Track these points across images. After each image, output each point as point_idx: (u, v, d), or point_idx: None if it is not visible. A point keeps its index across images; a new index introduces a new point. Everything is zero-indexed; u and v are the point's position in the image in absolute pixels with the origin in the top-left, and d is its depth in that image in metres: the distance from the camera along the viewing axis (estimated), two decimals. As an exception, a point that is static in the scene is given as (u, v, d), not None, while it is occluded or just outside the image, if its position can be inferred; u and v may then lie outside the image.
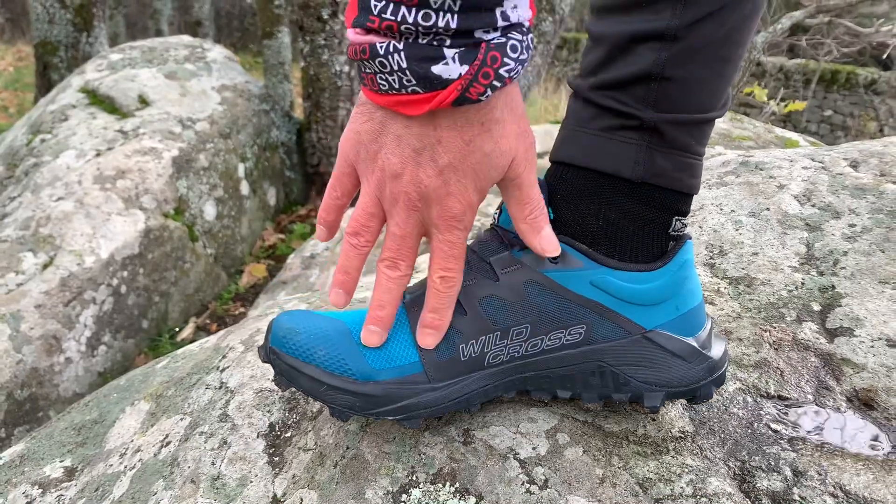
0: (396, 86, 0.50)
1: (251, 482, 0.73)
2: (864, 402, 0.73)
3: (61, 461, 0.94)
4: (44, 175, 1.96)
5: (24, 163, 2.07)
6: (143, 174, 2.00)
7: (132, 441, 0.88)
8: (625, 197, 0.63)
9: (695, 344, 0.65)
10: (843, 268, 0.92)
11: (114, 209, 1.90)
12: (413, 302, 0.66)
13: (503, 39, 0.49)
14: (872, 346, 0.79)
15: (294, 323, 0.66)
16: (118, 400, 1.02)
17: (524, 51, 0.50)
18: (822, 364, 0.78)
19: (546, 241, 0.61)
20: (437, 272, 0.59)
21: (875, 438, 0.68)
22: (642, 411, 0.69)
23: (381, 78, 0.50)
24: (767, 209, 1.06)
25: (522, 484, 0.62)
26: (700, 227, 1.05)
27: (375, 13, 0.48)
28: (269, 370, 0.84)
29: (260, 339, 0.92)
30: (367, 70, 0.51)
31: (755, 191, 1.11)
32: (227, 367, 0.88)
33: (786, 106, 3.44)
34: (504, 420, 0.68)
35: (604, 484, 0.61)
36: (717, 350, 0.67)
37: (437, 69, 0.48)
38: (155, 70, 2.39)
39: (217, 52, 2.61)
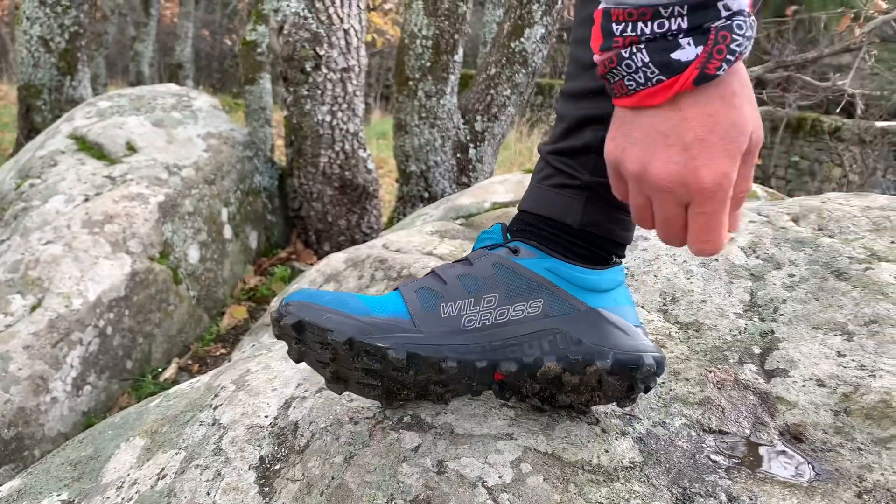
0: (643, 81, 0.58)
1: (243, 510, 0.80)
2: (794, 436, 0.82)
3: (58, 495, 1.00)
4: (33, 219, 2.02)
5: (12, 206, 2.13)
6: (130, 219, 2.07)
7: (128, 475, 0.95)
8: (570, 237, 0.80)
9: (632, 324, 0.78)
10: (782, 314, 1.02)
11: (101, 253, 1.96)
12: (405, 284, 0.81)
13: (728, 22, 0.56)
14: (804, 386, 0.88)
15: (303, 290, 0.79)
16: (113, 436, 1.08)
17: (749, 28, 0.57)
18: (759, 402, 0.87)
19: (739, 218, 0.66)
20: (694, 244, 0.61)
21: (801, 468, 0.77)
22: (599, 391, 0.77)
23: (628, 80, 0.59)
24: (716, 260, 1.16)
25: (489, 508, 0.70)
26: (655, 275, 1.15)
27: (618, 34, 0.57)
28: (259, 407, 0.92)
29: (250, 379, 0.99)
30: (616, 77, 0.60)
31: (706, 243, 1.21)
32: (220, 405, 0.95)
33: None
34: (474, 452, 0.76)
35: (561, 508, 0.69)
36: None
37: (675, 55, 0.56)
38: (143, 118, 2.48)
39: (203, 101, 2.70)
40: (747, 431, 0.83)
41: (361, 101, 2.74)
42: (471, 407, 0.83)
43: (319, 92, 2.61)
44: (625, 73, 0.58)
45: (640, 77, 0.58)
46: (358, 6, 2.74)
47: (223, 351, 2.23)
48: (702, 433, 0.82)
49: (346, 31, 2.63)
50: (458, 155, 3.39)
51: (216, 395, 0.99)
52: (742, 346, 0.97)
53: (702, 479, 0.74)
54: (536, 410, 0.83)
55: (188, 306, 2.23)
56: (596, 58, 0.62)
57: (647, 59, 0.57)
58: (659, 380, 0.91)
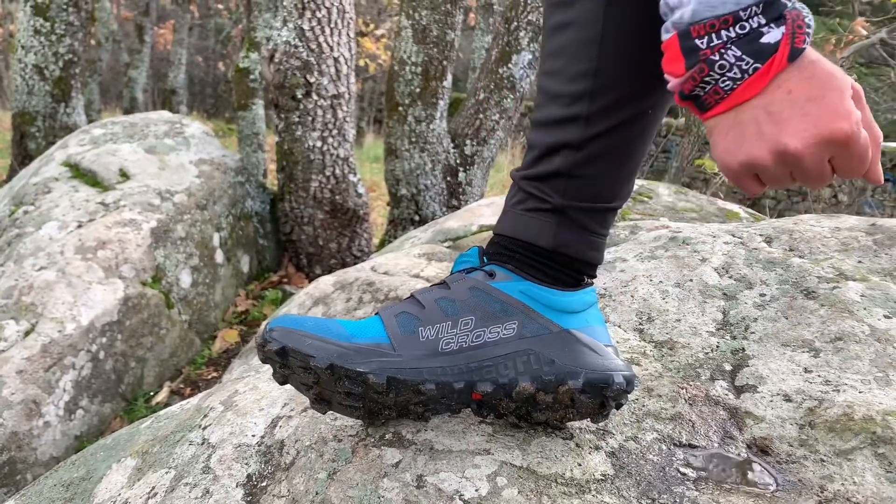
0: (739, 75, 0.62)
1: (231, 526, 0.82)
2: (760, 449, 0.85)
3: (51, 515, 1.03)
4: (27, 245, 2.05)
5: (6, 233, 2.16)
6: (122, 244, 2.10)
7: (120, 494, 0.98)
8: (543, 259, 0.84)
9: (603, 344, 0.82)
10: (753, 332, 1.05)
11: (94, 278, 1.99)
12: (384, 308, 0.84)
13: (792, 4, 0.61)
14: (771, 401, 0.92)
15: (286, 315, 0.82)
16: (105, 458, 1.11)
17: (804, 8, 0.61)
18: (728, 416, 0.91)
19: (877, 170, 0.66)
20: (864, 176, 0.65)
21: (766, 479, 0.80)
22: (570, 410, 0.80)
23: (723, 82, 0.62)
24: (691, 280, 1.20)
25: (466, 520, 0.73)
26: (632, 296, 1.19)
27: (704, 47, 0.62)
28: (247, 427, 0.95)
29: (238, 399, 1.02)
30: (708, 86, 0.63)
31: (681, 264, 1.26)
32: (209, 426, 0.98)
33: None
34: (452, 467, 0.79)
35: (534, 519, 0.72)
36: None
37: (763, 40, 0.61)
38: (135, 145, 2.52)
39: (195, 128, 2.74)
40: (716, 445, 0.86)
41: (352, 127, 2.79)
42: (450, 424, 0.86)
43: (310, 118, 2.66)
44: (718, 76, 0.62)
45: (735, 73, 0.62)
46: (348, 34, 2.80)
47: (215, 374, 2.26)
48: (672, 447, 0.85)
49: (336, 59, 2.68)
50: (448, 178, 3.43)
51: (205, 416, 1.02)
52: (714, 363, 1.01)
53: (670, 490, 0.77)
54: (513, 427, 0.86)
55: (180, 330, 2.25)
56: (676, 82, 0.65)
57: (739, 53, 0.61)
58: (632, 396, 0.94)
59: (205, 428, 0.99)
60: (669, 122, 8.94)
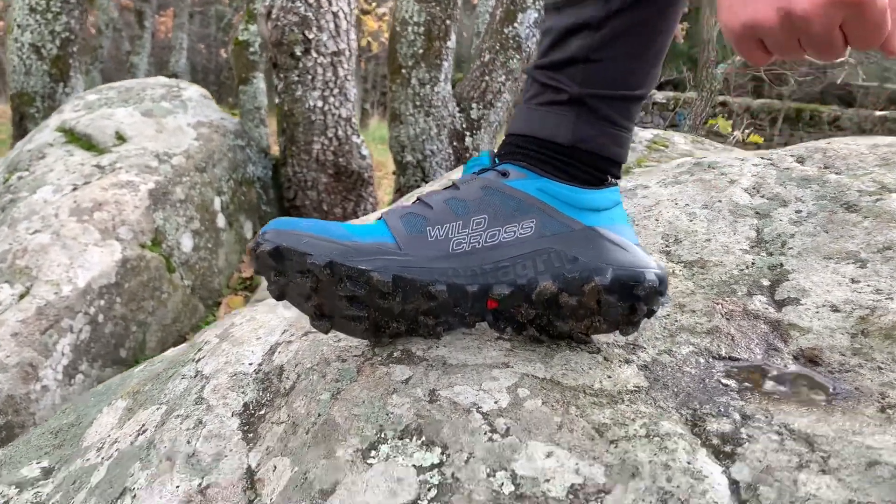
0: None
1: (226, 457, 0.75)
2: (809, 360, 0.77)
3: (38, 463, 0.96)
4: (20, 210, 1.98)
5: (0, 199, 2.09)
6: (119, 206, 2.03)
7: (109, 435, 0.90)
8: (562, 156, 0.75)
9: (632, 242, 0.74)
10: (791, 248, 0.97)
11: (90, 240, 1.92)
12: (389, 211, 0.76)
13: None
14: (817, 312, 0.83)
15: (281, 218, 0.74)
16: (96, 402, 1.03)
17: None
18: (770, 330, 0.82)
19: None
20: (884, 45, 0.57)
21: (818, 388, 0.72)
22: (596, 300, 0.71)
23: None
24: (719, 201, 1.11)
25: (485, 433, 0.65)
26: (656, 219, 1.10)
27: None
28: (243, 356, 0.87)
29: (234, 331, 0.95)
30: None
31: (708, 186, 1.17)
32: (202, 358, 0.91)
33: (749, 135, 3.55)
34: (468, 380, 0.71)
35: (561, 430, 0.64)
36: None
37: None
38: (132, 108, 2.44)
39: (193, 91, 2.66)
40: (759, 357, 0.78)
41: (353, 86, 2.70)
42: (464, 341, 0.78)
43: (310, 77, 2.57)
44: None
45: None
46: (347, -9, 2.71)
47: (219, 340, 2.18)
48: (711, 360, 0.77)
49: (335, 14, 2.59)
50: (455, 143, 3.34)
51: (199, 350, 0.94)
52: (750, 279, 0.92)
53: (713, 400, 0.69)
54: (534, 341, 0.78)
55: (183, 295, 2.18)
56: None
57: None
58: (662, 312, 0.86)
59: (198, 361, 0.91)
60: (678, 95, 8.82)
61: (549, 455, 0.62)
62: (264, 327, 0.92)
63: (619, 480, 0.59)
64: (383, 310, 0.73)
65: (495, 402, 0.68)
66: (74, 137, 2.31)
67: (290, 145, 2.68)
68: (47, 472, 0.93)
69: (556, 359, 0.75)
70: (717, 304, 0.87)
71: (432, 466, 0.63)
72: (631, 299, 0.72)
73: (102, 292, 1.91)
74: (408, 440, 0.66)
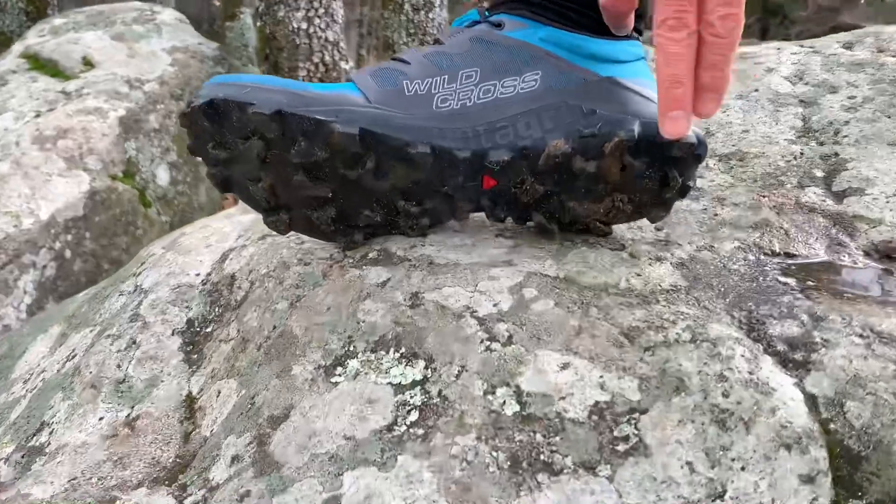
0: None
1: (162, 382, 0.61)
2: (884, 255, 0.62)
3: (-37, 399, 0.82)
4: (-21, 139, 1.82)
5: (-41, 130, 1.93)
6: (86, 133, 1.86)
7: (38, 365, 0.76)
8: (571, 2, 0.59)
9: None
10: (846, 136, 0.81)
11: (54, 170, 1.76)
12: (358, 72, 0.60)
13: None
14: (888, 202, 0.68)
15: (223, 74, 0.60)
16: (32, 331, 0.89)
17: None
18: (830, 223, 0.67)
19: None
20: (715, 11, 0.46)
21: (902, 285, 0.57)
22: (617, 144, 0.55)
23: None
24: (756, 90, 0.95)
25: (481, 342, 0.50)
26: (683, 112, 0.94)
27: None
28: (189, 265, 0.72)
29: (183, 240, 0.79)
30: None
31: (742, 76, 1.00)
32: (144, 270, 0.76)
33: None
34: (459, 280, 0.56)
35: (580, 335, 0.49)
36: None
37: None
38: (101, 32, 2.25)
39: (168, 15, 2.47)
40: (821, 253, 0.63)
41: (340, 6, 2.50)
42: (455, 238, 0.63)
43: (294, -3, 2.37)
44: None
45: None
46: None
47: (201, 279, 2.04)
48: (762, 257, 0.62)
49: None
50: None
51: (143, 263, 0.79)
52: (800, 170, 0.77)
53: (772, 300, 0.54)
54: (542, 233, 0.63)
55: (160, 232, 2.03)
56: None
57: None
58: (698, 206, 0.71)
59: (139, 274, 0.76)
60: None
61: (564, 367, 0.47)
62: (217, 234, 0.76)
63: (658, 396, 0.45)
64: (351, 187, 0.57)
65: (494, 305, 0.53)
66: (39, 63, 2.14)
67: (273, 72, 2.50)
68: (-28, 410, 0.79)
69: (571, 255, 0.59)
70: (763, 196, 0.72)
71: (414, 384, 0.49)
72: (663, 164, 0.56)
73: (69, 226, 1.75)
74: (383, 353, 0.52)
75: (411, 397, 0.48)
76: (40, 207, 1.69)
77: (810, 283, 0.57)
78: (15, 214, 1.65)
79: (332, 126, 0.53)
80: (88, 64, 2.13)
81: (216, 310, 0.65)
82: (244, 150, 0.56)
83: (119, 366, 0.63)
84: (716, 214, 0.69)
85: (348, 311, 0.55)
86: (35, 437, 0.62)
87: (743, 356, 0.47)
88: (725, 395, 0.44)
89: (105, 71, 2.10)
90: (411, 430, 0.46)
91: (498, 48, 0.59)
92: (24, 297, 1.62)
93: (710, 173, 0.78)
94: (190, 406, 0.58)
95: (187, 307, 0.67)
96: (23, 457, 0.60)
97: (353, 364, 0.51)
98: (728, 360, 0.46)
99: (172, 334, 0.64)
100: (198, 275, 0.70)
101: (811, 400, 0.45)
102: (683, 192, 0.60)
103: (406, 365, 0.50)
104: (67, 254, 1.74)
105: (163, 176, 2.07)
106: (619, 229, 0.65)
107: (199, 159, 0.59)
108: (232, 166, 0.58)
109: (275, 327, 0.57)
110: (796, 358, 0.48)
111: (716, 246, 0.63)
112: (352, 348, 0.52)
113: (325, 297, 0.57)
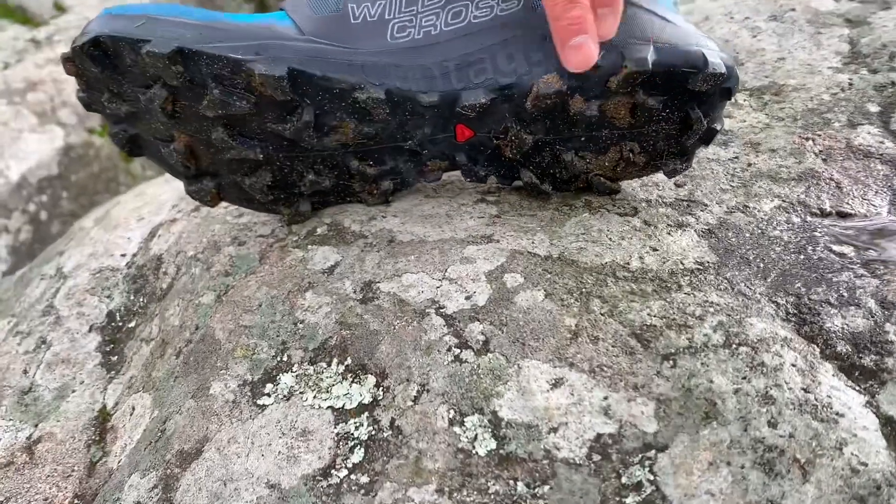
0: None
1: (73, 392, 0.50)
2: (966, 211, 0.49)
3: None
4: (-55, 95, 1.69)
5: (-74, 85, 1.80)
6: (58, 85, 1.73)
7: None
8: None
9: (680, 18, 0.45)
10: (905, 60, 0.67)
11: (25, 125, 1.64)
12: None
13: None
14: (964, 142, 0.55)
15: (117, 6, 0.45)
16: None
17: None
18: (893, 172, 0.54)
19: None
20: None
21: None
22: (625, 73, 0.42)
23: None
24: (793, 10, 0.80)
25: (449, 350, 0.38)
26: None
27: None
28: (115, 244, 0.60)
29: (115, 211, 0.67)
30: None
31: (774, -7, 0.86)
32: (68, 250, 0.64)
33: None
34: (425, 264, 0.44)
35: (578, 339, 0.37)
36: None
37: None
38: (73, -26, 2.10)
39: (145, -47, 2.31)
40: (884, 211, 0.50)
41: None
42: (426, 206, 0.51)
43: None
44: None
45: None
46: None
47: (192, 237, 1.93)
48: (810, 217, 0.49)
49: None
50: None
51: (71, 239, 0.68)
52: (850, 105, 0.63)
53: (826, 280, 0.42)
54: (534, 195, 0.50)
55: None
56: None
57: None
58: (727, 154, 0.58)
59: (62, 253, 0.64)
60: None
61: (556, 384, 0.36)
62: (152, 204, 0.64)
63: (681, 427, 0.33)
64: (288, 145, 0.45)
65: (467, 298, 0.41)
66: (7, 11, 1.99)
67: (260, 9, 2.35)
68: None
69: (569, 226, 0.47)
70: (807, 139, 0.58)
71: (360, 408, 0.37)
72: (683, 102, 0.44)
73: (43, 186, 1.64)
74: (324, 364, 0.40)
75: (356, 428, 0.36)
76: (10, 167, 1.58)
77: (872, 253, 0.45)
78: (-17, 176, 1.54)
79: (253, 67, 0.40)
80: (59, 8, 1.99)
81: (140, 300, 0.54)
82: (145, 101, 0.43)
83: (26, 371, 0.52)
84: (749, 164, 0.56)
85: (284, 308, 0.43)
86: (-70, 460, 0.51)
87: (794, 366, 0.35)
88: (773, 424, 0.32)
89: (77, 16, 1.96)
90: (353, 477, 0.35)
91: None
92: (-2, 264, 1.52)
93: (739, 111, 0.65)
94: (102, 424, 0.47)
95: (108, 296, 0.55)
96: (-86, 484, 0.50)
97: (285, 380, 0.40)
98: (775, 372, 0.34)
99: (90, 331, 0.53)
100: (123, 255, 0.58)
101: (890, 426, 0.33)
102: (708, 137, 0.47)
103: (352, 381, 0.38)
104: (43, 216, 1.63)
105: (145, 128, 1.94)
106: (630, 187, 0.52)
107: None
108: (136, 123, 0.46)
109: (197, 328, 0.46)
110: (865, 364, 0.36)
111: (751, 206, 0.50)
112: (285, 358, 0.41)
113: (258, 290, 0.45)
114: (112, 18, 0.42)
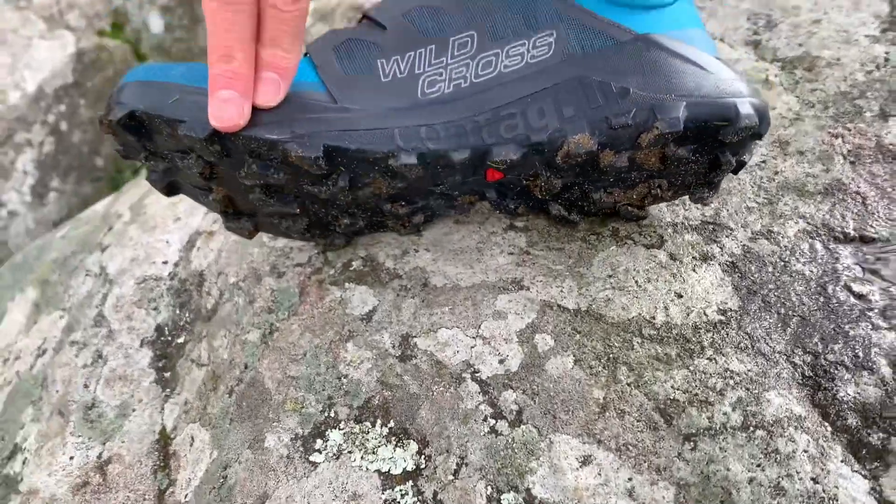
0: None
1: (133, 411, 0.54)
2: None
3: (-48, 364, 0.77)
4: (-51, -2, 1.65)
5: (-72, -15, 1.75)
6: (63, -15, 1.68)
7: (16, 342, 0.70)
8: None
9: (711, 53, 0.45)
10: (946, 31, 0.65)
11: (34, 32, 1.61)
12: (317, 42, 0.46)
13: None
14: None
15: (149, 64, 0.46)
16: (11, 283, 0.82)
17: None
18: (920, 180, 0.54)
19: None
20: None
21: None
22: (656, 134, 0.43)
23: None
24: (832, -45, 0.76)
25: (485, 420, 0.41)
26: (738, -11, 0.77)
27: None
28: (155, 249, 0.63)
29: (149, 203, 0.69)
30: None
31: (814, -70, 0.81)
32: (109, 246, 0.67)
33: None
34: (459, 318, 0.46)
35: (606, 413, 0.40)
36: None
37: None
38: None
39: None
40: (907, 234, 0.51)
41: None
42: (456, 235, 0.52)
43: None
44: None
45: None
46: None
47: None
48: (833, 245, 0.50)
49: None
50: None
51: (110, 229, 0.70)
52: (883, 87, 0.62)
53: (843, 332, 0.44)
54: (561, 223, 0.52)
55: (161, 86, 1.89)
56: None
57: None
58: (756, 158, 0.58)
59: (104, 249, 0.67)
60: None
61: (585, 461, 0.39)
62: (185, 201, 0.66)
63: (699, 515, 0.37)
64: (320, 200, 0.46)
65: (501, 362, 0.43)
66: None
67: None
68: (-40, 380, 0.74)
69: (596, 265, 0.49)
70: (836, 136, 0.58)
71: (405, 475, 0.41)
72: (713, 149, 0.44)
73: (60, 95, 1.63)
74: (369, 424, 0.43)
75: (401, 496, 0.40)
76: (25, 79, 1.57)
77: (893, 290, 0.46)
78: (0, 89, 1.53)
79: (287, 148, 0.41)
80: None
81: (186, 315, 0.57)
82: (183, 165, 0.44)
83: (87, 385, 0.56)
84: (776, 172, 0.56)
85: (328, 360, 0.46)
86: (9, 464, 0.56)
87: (806, 452, 0.38)
88: (783, 514, 0.36)
89: None
90: (401, 548, 0.39)
91: None
92: (26, 179, 1.54)
93: (771, 91, 0.64)
94: (164, 449, 0.51)
95: (155, 309, 0.58)
96: (-1, 487, 0.56)
97: (334, 437, 0.43)
98: (788, 460, 0.37)
99: (141, 345, 0.57)
100: (164, 263, 0.61)
101: (889, 511, 0.36)
102: (737, 169, 0.48)
103: (396, 445, 0.42)
104: (63, 126, 1.63)
105: (156, 23, 1.89)
106: (656, 208, 0.53)
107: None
108: (175, 174, 0.47)
109: (246, 367, 0.49)
110: (872, 442, 0.39)
111: (775, 230, 0.51)
112: (332, 413, 0.44)
113: (301, 337, 0.48)
114: (145, 90, 0.42)
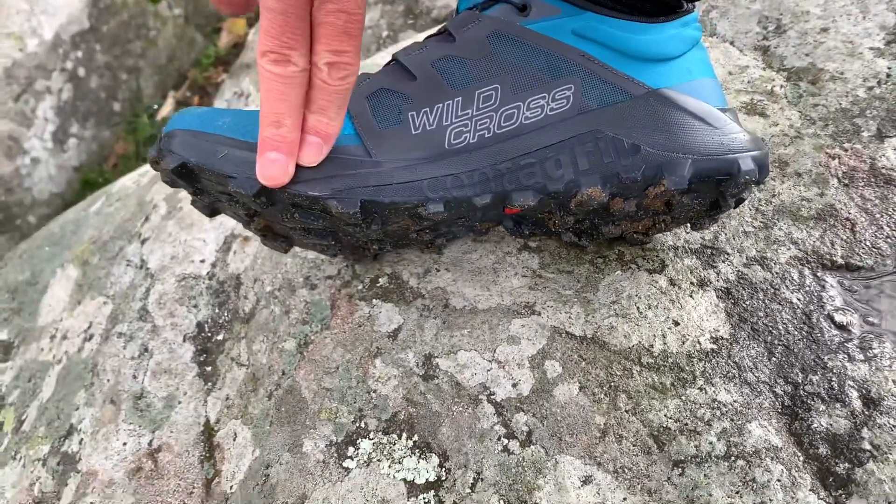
0: None
1: (179, 403, 0.60)
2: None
3: (-1, 332, 0.83)
4: (-38, -63, 1.65)
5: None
6: (75, -73, 1.67)
7: (61, 319, 0.75)
8: None
9: (720, 108, 0.49)
10: (948, 47, 0.67)
11: (49, -24, 1.61)
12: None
13: None
14: (982, 178, 0.58)
15: (193, 109, 0.50)
16: (50, 256, 0.87)
17: None
18: (908, 207, 0.58)
19: None
20: (323, 56, 0.41)
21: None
22: (664, 200, 0.47)
23: None
24: (846, -44, 0.78)
25: (499, 439, 0.47)
26: (752, -11, 0.79)
27: None
28: (193, 248, 0.67)
29: (184, 196, 0.73)
30: None
31: (831, -74, 0.82)
32: (148, 238, 0.71)
33: None
34: (476, 341, 0.51)
35: (606, 437, 0.46)
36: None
37: None
38: None
39: None
40: (889, 262, 0.55)
41: None
42: (475, 254, 0.57)
43: None
44: None
45: None
46: None
47: (225, 76, 1.94)
48: (821, 273, 0.55)
49: None
50: None
51: (147, 219, 0.74)
52: (882, 106, 0.65)
53: (822, 364, 0.49)
54: (571, 246, 0.56)
55: (174, 28, 1.90)
56: None
57: None
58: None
59: (144, 241, 0.72)
60: None
61: (586, 481, 0.45)
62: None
63: (683, 534, 0.43)
64: (355, 236, 0.51)
65: (514, 386, 0.49)
66: None
67: None
68: (7, 349, 0.80)
69: (602, 290, 0.53)
70: (833, 157, 0.62)
71: (427, 486, 0.47)
72: (715, 195, 0.49)
73: (77, 42, 1.65)
74: (395, 436, 0.49)
75: (425, 502, 0.46)
76: (42, 25, 1.58)
77: (872, 321, 0.51)
78: (18, 36, 1.55)
79: (328, 203, 0.45)
80: None
81: (225, 314, 0.62)
82: (228, 204, 0.49)
83: (135, 377, 0.62)
84: (774, 194, 0.60)
85: (358, 374, 0.52)
86: (66, 442, 0.63)
87: (780, 481, 0.43)
88: (755, 536, 0.42)
89: None
90: (425, 551, 0.45)
91: (522, 50, 0.48)
92: (47, 126, 1.58)
93: (774, 106, 0.67)
94: (209, 441, 0.57)
95: (195, 306, 0.63)
96: (58, 464, 0.62)
97: (364, 446, 0.49)
98: (763, 488, 0.43)
99: (184, 340, 0.62)
100: (202, 262, 0.66)
101: (848, 536, 0.42)
102: (738, 204, 0.52)
103: (419, 458, 0.48)
104: (81, 72, 1.65)
105: (168, -37, 1.88)
106: (659, 234, 0.57)
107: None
108: (219, 205, 0.52)
109: (284, 373, 0.54)
110: (838, 472, 0.44)
111: (769, 256, 0.56)
112: (363, 425, 0.50)
113: (334, 351, 0.53)
114: (194, 142, 0.46)
